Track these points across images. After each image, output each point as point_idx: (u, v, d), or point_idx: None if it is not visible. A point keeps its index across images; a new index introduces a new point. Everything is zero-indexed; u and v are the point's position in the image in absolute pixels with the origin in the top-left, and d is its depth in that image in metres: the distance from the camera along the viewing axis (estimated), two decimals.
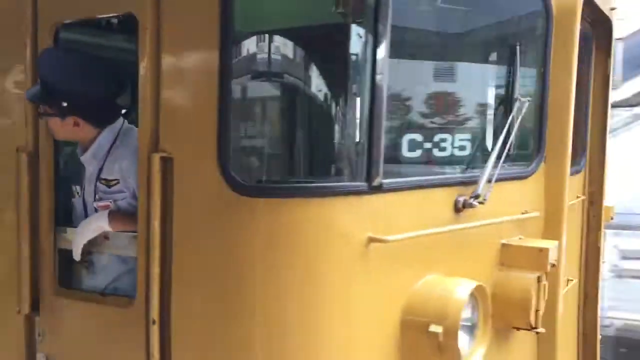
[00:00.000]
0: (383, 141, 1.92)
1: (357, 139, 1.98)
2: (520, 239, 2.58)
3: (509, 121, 2.40)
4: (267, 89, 2.07)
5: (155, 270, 2.10)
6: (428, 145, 2.27)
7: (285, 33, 2.08)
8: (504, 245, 2.51)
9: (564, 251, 2.73)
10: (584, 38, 3.23)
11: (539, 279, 2.47)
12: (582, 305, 3.73)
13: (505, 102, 2.46)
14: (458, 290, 2.11)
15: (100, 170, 2.38)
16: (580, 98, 3.37)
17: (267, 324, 1.98)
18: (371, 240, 1.97)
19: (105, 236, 2.38)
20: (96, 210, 2.39)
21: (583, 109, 3.49)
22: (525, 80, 2.62)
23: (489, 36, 2.62)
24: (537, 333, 2.55)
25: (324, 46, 2.10)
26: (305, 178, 2.08)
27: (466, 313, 2.17)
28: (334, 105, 2.08)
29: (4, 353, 2.68)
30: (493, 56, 2.67)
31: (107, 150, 2.37)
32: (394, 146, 2.16)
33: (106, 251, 2.42)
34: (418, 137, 2.28)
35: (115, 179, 2.34)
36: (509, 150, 2.42)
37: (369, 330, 2.08)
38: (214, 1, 1.86)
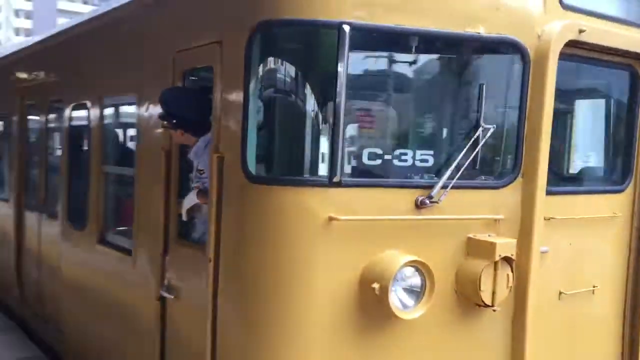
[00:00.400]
0: (341, 152, 2.90)
1: (324, 151, 2.99)
2: (489, 235, 3.22)
3: (471, 142, 3.14)
4: (268, 116, 3.18)
5: (212, 228, 3.34)
6: (388, 156, 3.16)
7: (281, 73, 3.16)
8: (469, 238, 3.21)
9: (535, 252, 3.31)
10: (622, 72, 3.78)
11: (495, 267, 3.09)
12: (630, 316, 3.99)
13: (473, 129, 3.19)
14: (396, 259, 2.95)
15: (198, 164, 3.71)
16: (629, 124, 3.81)
17: (265, 263, 3.11)
18: (330, 218, 2.96)
19: (198, 207, 3.70)
20: (192, 190, 3.74)
21: (630, 134, 3.85)
22: (505, 112, 3.31)
23: (462, 78, 3.38)
24: (495, 311, 3.20)
25: (303, 94, 3.16)
26: (290, 174, 3.12)
27: (409, 280, 3.00)
28: (311, 127, 3.11)
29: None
30: (465, 92, 3.38)
31: (201, 151, 3.68)
32: (359, 156, 3.11)
33: (198, 216, 3.76)
34: (379, 150, 3.17)
35: (203, 170, 3.64)
36: (474, 165, 3.16)
37: (329, 284, 3.01)
38: (241, 70, 3.03)
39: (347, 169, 3.04)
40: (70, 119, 5.32)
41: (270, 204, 3.02)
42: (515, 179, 3.29)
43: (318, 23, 2.86)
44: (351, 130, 3.15)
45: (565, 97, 3.93)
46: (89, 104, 4.89)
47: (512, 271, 3.18)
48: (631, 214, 3.87)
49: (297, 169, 3.10)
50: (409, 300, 3.00)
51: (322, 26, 2.86)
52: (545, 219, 3.37)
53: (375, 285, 2.91)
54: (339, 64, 2.77)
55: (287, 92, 3.16)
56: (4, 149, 7.03)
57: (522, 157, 3.28)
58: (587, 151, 4.26)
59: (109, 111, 4.74)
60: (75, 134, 5.28)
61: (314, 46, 3.09)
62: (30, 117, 6.17)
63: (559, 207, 3.49)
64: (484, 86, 3.15)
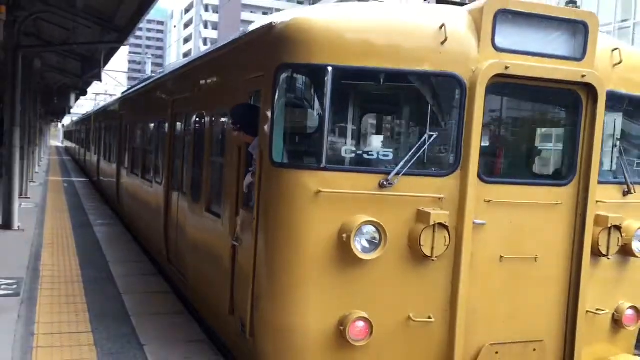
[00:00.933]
0: (325, 149, 4.37)
1: (315, 148, 4.53)
2: (433, 209, 4.38)
3: (419, 144, 4.45)
4: (285, 124, 4.72)
5: (256, 197, 5.00)
6: (359, 152, 4.64)
7: (292, 96, 4.63)
8: (417, 210, 4.44)
9: (467, 222, 4.45)
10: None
11: (433, 230, 4.30)
12: (575, 280, 4.88)
13: (421, 135, 4.50)
14: (359, 219, 4.26)
15: (253, 155, 5.42)
16: (572, 135, 4.86)
17: (277, 222, 4.58)
18: (318, 191, 4.42)
19: (252, 184, 5.40)
20: (249, 172, 5.47)
21: (573, 142, 4.85)
22: (449, 124, 4.62)
23: (416, 100, 4.79)
24: (434, 261, 4.40)
25: (304, 110, 4.73)
26: (295, 162, 4.54)
27: (369, 235, 4.27)
28: (308, 132, 4.68)
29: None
30: (417, 109, 4.82)
31: (255, 147, 5.37)
32: (338, 151, 4.62)
33: (252, 189, 5.45)
34: (353, 148, 4.68)
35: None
36: (423, 160, 4.46)
37: (318, 233, 4.33)
38: (270, 93, 4.61)
39: (330, 159, 4.37)
40: (193, 125, 7.25)
41: (284, 181, 4.49)
42: (455, 170, 4.51)
43: (313, 65, 4.34)
44: (333, 133, 4.66)
45: (528, 116, 5.16)
46: (203, 114, 6.89)
47: (448, 234, 4.37)
48: (576, 203, 4.86)
49: (300, 159, 4.62)
50: (368, 247, 4.31)
51: (316, 67, 4.31)
52: (485, 200, 4.53)
53: (344, 235, 4.27)
54: (326, 91, 4.21)
55: (295, 108, 4.68)
56: (159, 146, 9.40)
57: (461, 156, 4.49)
58: (543, 155, 5.37)
59: (212, 119, 6.55)
60: (197, 135, 7.24)
61: (312, 79, 4.58)
62: (176, 124, 8.38)
63: (499, 193, 4.61)
64: (430, 106, 4.55)
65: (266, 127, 4.60)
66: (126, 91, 16.57)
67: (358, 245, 4.28)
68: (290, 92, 4.63)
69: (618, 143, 5.20)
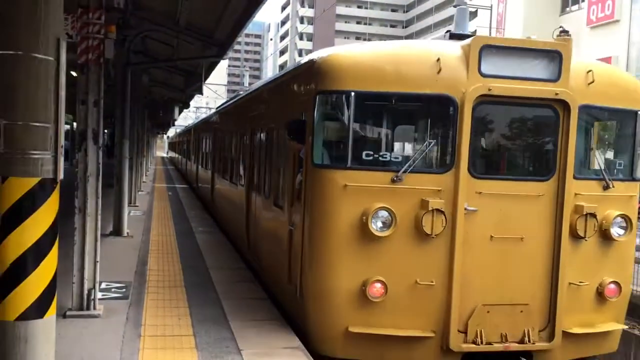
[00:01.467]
0: (350, 153, 5.60)
1: (343, 153, 5.69)
2: (432, 199, 5.54)
3: (421, 148, 5.79)
4: (322, 135, 5.98)
5: (303, 191, 6.06)
6: (377, 156, 5.80)
7: (325, 113, 5.97)
8: (421, 199, 5.60)
9: (460, 208, 5.60)
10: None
11: (432, 214, 5.47)
12: (556, 257, 5.86)
13: (422, 142, 5.96)
14: (375, 205, 5.52)
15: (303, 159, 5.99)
16: (553, 140, 5.94)
17: (312, 214, 5.89)
18: (345, 185, 5.59)
19: (301, 181, 6.18)
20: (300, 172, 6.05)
21: (554, 145, 5.93)
22: (446, 134, 5.80)
23: (419, 116, 6.38)
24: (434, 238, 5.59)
25: (334, 124, 6.04)
26: (329, 163, 5.88)
27: (382, 217, 5.48)
28: (337, 140, 5.98)
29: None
30: (421, 124, 6.44)
31: (303, 152, 5.98)
32: (360, 155, 5.72)
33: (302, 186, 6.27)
34: (371, 152, 5.84)
35: None
36: (425, 161, 5.77)
37: (345, 216, 5.60)
38: (312, 111, 5.90)
39: (354, 161, 5.65)
40: (264, 136, 8.55)
41: (320, 178, 5.81)
42: (450, 169, 5.69)
43: (341, 91, 5.66)
44: (356, 142, 5.77)
45: (517, 126, 6.31)
46: (271, 128, 8.05)
47: (445, 217, 5.53)
48: (556, 195, 5.85)
49: (332, 161, 5.92)
50: (382, 226, 5.56)
51: (342, 92, 5.65)
52: (476, 192, 5.67)
53: (364, 218, 5.55)
54: (350, 110, 5.60)
55: (329, 122, 6.02)
56: (241, 155, 10.70)
57: (456, 156, 5.65)
58: (529, 158, 6.52)
59: (276, 132, 7.67)
60: (267, 145, 8.35)
61: (340, 102, 5.75)
62: (253, 136, 9.54)
63: (492, 186, 5.75)
64: (429, 120, 6.20)
65: (310, 138, 5.90)
66: (218, 107, 18.45)
67: (374, 225, 5.54)
68: (325, 111, 5.96)
69: (598, 146, 6.52)
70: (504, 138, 6.37)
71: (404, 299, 5.64)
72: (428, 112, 6.16)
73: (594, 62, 6.60)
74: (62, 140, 3.70)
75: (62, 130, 3.70)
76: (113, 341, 5.60)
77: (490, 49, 5.66)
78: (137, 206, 16.10)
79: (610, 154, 6.65)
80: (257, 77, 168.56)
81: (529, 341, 5.74)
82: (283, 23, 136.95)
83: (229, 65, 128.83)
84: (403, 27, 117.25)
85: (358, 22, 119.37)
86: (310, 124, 5.89)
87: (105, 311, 6.42)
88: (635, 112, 6.15)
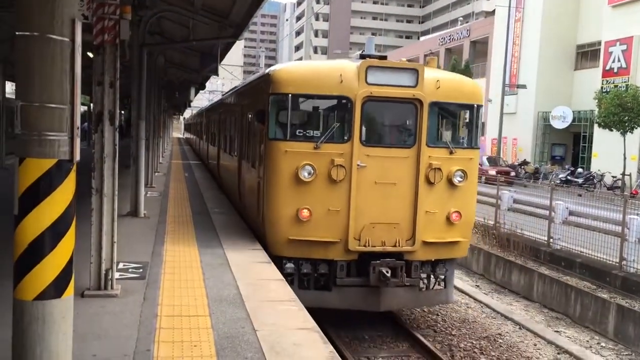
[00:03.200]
0: (289, 131, 8.88)
1: (286, 130, 9.02)
2: (337, 158, 8.66)
3: (330, 129, 8.93)
4: (273, 121, 9.05)
5: (262, 156, 9.37)
6: (305, 132, 9.05)
7: (274, 109, 9.06)
8: (331, 159, 8.71)
9: (354, 164, 8.71)
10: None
11: (337, 168, 8.55)
12: (415, 196, 8.99)
13: (332, 124, 9.12)
14: (303, 162, 8.61)
15: None
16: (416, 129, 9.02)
17: (267, 169, 9.06)
18: (286, 151, 8.75)
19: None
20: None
21: (420, 132, 8.99)
22: (343, 122, 8.90)
23: (333, 111, 9.27)
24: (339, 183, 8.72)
25: (281, 116, 9.06)
26: (276, 137, 8.97)
27: (308, 170, 8.60)
28: (282, 123, 9.02)
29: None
30: (330, 117, 9.40)
31: None
32: (295, 132, 9.01)
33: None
34: (301, 130, 9.15)
35: None
36: (333, 136, 8.80)
37: (286, 170, 8.71)
38: (267, 105, 9.19)
39: (291, 136, 8.77)
40: (247, 119, 11.67)
41: (272, 146, 8.87)
42: (349, 140, 8.70)
43: (283, 93, 8.74)
44: (294, 124, 8.88)
45: (395, 114, 9.36)
46: (248, 114, 11.34)
47: (345, 169, 8.56)
48: (417, 156, 8.90)
49: (279, 135, 8.87)
50: (307, 175, 8.57)
51: (284, 94, 8.73)
52: (365, 155, 8.71)
53: (297, 170, 8.57)
54: (288, 105, 8.77)
55: (278, 112, 8.93)
56: (235, 134, 13.80)
57: (352, 133, 8.69)
58: (399, 133, 9.58)
59: (251, 117, 10.71)
60: (248, 125, 11.59)
61: (282, 99, 8.78)
62: (242, 119, 12.57)
63: (375, 151, 8.81)
64: (336, 111, 9.08)
65: (267, 121, 9.04)
66: (224, 94, 22.15)
67: (303, 174, 8.60)
68: (275, 106, 8.97)
69: (445, 127, 9.66)
70: (383, 121, 9.43)
71: (322, 219, 8.66)
72: (335, 106, 9.04)
73: (442, 74, 9.82)
74: (78, 122, 3.70)
75: (78, 111, 3.70)
76: (130, 320, 5.67)
77: (372, 67, 8.70)
78: (153, 187, 16.22)
79: (460, 131, 9.72)
80: (273, 58, 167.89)
81: (399, 246, 8.80)
82: (299, 3, 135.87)
83: (244, 46, 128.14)
84: (420, 23, 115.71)
85: (374, 18, 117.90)
86: (267, 113, 8.97)
87: (122, 291, 6.50)
88: (472, 105, 9.35)
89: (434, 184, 8.85)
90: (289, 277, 8.50)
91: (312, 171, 8.52)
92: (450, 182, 8.97)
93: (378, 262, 8.65)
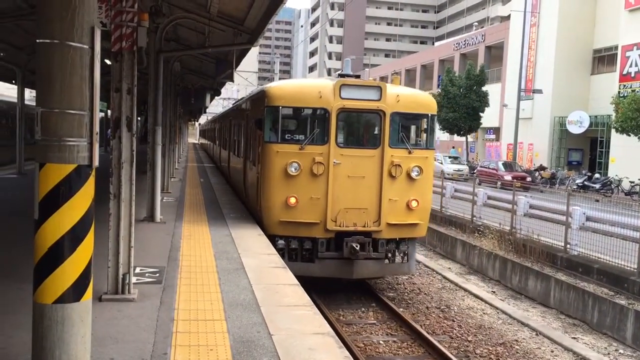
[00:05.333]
0: (279, 136, 11.03)
1: (277, 135, 11.16)
2: (318, 157, 10.79)
3: (312, 134, 11.04)
4: (267, 128, 11.22)
5: (258, 155, 11.56)
6: (292, 136, 11.12)
7: (269, 118, 11.19)
8: (313, 157, 10.78)
9: (331, 162, 10.83)
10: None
11: (318, 164, 10.64)
12: (380, 187, 11.05)
13: (314, 130, 11.22)
14: (291, 160, 10.75)
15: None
16: (380, 133, 11.23)
17: (263, 166, 11.18)
18: (277, 151, 10.84)
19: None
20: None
21: (383, 137, 11.20)
22: (323, 130, 11.11)
23: (314, 120, 11.34)
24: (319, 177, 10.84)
25: (275, 123, 11.16)
26: (271, 141, 11.05)
27: (294, 166, 10.69)
28: (275, 129, 11.14)
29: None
30: (311, 126, 11.46)
31: None
32: (285, 136, 11.13)
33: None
34: (290, 135, 11.24)
35: None
36: (314, 139, 10.89)
37: (278, 166, 10.80)
38: (264, 114, 11.29)
39: (282, 139, 10.84)
40: (250, 126, 13.39)
41: (267, 148, 10.96)
42: (327, 143, 10.79)
43: (275, 106, 10.88)
44: (284, 130, 10.98)
45: (362, 121, 11.53)
46: (250, 121, 13.18)
47: (324, 166, 10.73)
48: (381, 156, 10.94)
49: (272, 139, 10.93)
50: (294, 170, 10.67)
51: (276, 106, 10.87)
52: (340, 154, 10.80)
53: (286, 166, 10.68)
54: (279, 115, 10.89)
55: (272, 121, 10.99)
56: (241, 138, 15.82)
57: (329, 137, 10.76)
58: (367, 137, 11.63)
59: (253, 124, 12.35)
60: (250, 131, 13.38)
61: (275, 111, 10.88)
62: (247, 126, 14.52)
63: (348, 151, 10.88)
64: (316, 120, 11.04)
65: (263, 128, 11.03)
66: (235, 102, 24.25)
67: (291, 170, 10.65)
68: (270, 115, 10.98)
69: (404, 132, 11.31)
70: (354, 128, 11.57)
71: (306, 205, 10.73)
72: (315, 116, 11.01)
73: (402, 89, 11.94)
74: (97, 127, 3.76)
75: (97, 117, 3.76)
76: (147, 324, 5.71)
77: (345, 85, 10.82)
78: (169, 193, 16.34)
79: (417, 135, 11.74)
80: (288, 64, 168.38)
81: (368, 226, 10.89)
82: (314, 9, 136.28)
83: (259, 52, 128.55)
84: (434, 28, 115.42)
85: (388, 24, 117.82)
86: (264, 121, 10.99)
87: (139, 295, 6.55)
88: (427, 114, 11.40)
89: (396, 177, 10.91)
90: (280, 251, 10.22)
91: (298, 167, 10.59)
92: (409, 176, 11.00)
93: (350, 238, 10.70)
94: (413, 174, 10.98)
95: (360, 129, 11.59)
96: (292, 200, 10.63)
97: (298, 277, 7.90)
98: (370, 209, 10.86)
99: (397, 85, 12.32)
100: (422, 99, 11.72)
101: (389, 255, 11.48)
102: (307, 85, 11.75)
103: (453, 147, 52.07)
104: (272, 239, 10.61)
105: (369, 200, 10.84)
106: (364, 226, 10.83)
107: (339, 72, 12.33)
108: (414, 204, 11.05)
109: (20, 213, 11.83)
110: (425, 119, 11.43)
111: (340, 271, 10.97)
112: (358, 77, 11.91)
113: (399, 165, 10.84)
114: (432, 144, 11.63)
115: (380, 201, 10.84)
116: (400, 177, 10.90)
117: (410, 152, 11.02)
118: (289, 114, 11.06)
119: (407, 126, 11.52)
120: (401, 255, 11.66)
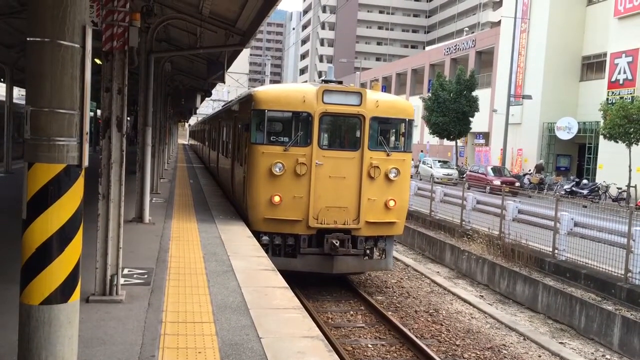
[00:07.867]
0: (265, 138, 11.64)
1: (262, 137, 11.81)
2: (302, 158, 11.41)
3: (295, 136, 11.69)
4: (253, 130, 11.80)
5: (245, 155, 12.25)
6: (277, 138, 11.79)
7: (255, 121, 11.74)
8: (296, 158, 11.37)
9: (313, 163, 11.38)
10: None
11: (301, 165, 11.36)
12: (359, 185, 11.64)
13: (298, 133, 11.86)
14: (275, 161, 11.35)
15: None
16: (360, 137, 11.78)
17: (249, 166, 11.78)
18: (263, 152, 11.43)
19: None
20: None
21: (362, 139, 11.75)
22: (306, 132, 11.73)
23: (298, 122, 11.77)
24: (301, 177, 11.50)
25: (260, 126, 11.78)
26: (257, 142, 11.63)
27: (279, 166, 11.29)
28: (260, 131, 11.72)
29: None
30: (295, 128, 11.90)
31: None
32: (270, 137, 11.80)
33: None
34: (275, 137, 11.92)
35: None
36: (298, 141, 11.52)
37: (263, 166, 11.40)
38: (250, 118, 11.96)
39: (268, 140, 11.48)
40: (238, 128, 13.99)
41: (253, 149, 11.52)
42: (309, 145, 11.44)
43: (261, 109, 11.53)
44: (269, 132, 11.64)
45: (343, 125, 12.13)
46: (238, 124, 13.86)
47: (307, 166, 11.35)
48: (361, 157, 11.54)
49: (258, 140, 11.50)
50: (278, 170, 11.25)
51: (262, 110, 11.51)
52: (322, 155, 11.42)
53: (271, 166, 11.28)
54: (265, 118, 11.53)
55: (257, 123, 11.59)
56: (229, 139, 16.34)
57: (312, 139, 11.40)
58: (347, 140, 12.21)
59: (241, 127, 13.17)
60: (238, 133, 13.93)
61: (261, 114, 11.53)
62: (234, 128, 15.11)
63: (329, 153, 11.50)
64: (300, 123, 11.60)
65: (250, 130, 11.60)
66: (224, 105, 24.61)
67: (275, 170, 11.22)
68: (256, 118, 11.56)
69: (383, 135, 11.99)
70: (335, 131, 12.14)
71: (289, 203, 11.28)
72: (299, 119, 11.50)
73: (382, 95, 12.63)
74: (87, 127, 3.72)
75: (87, 117, 3.72)
76: (135, 326, 5.67)
77: (327, 91, 11.43)
78: (159, 193, 16.25)
79: (395, 139, 12.40)
80: (279, 66, 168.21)
81: (347, 224, 11.47)
82: (305, 12, 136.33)
83: (250, 54, 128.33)
84: (425, 32, 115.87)
85: (380, 28, 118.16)
86: (250, 124, 11.61)
87: (127, 297, 6.50)
88: (404, 119, 12.07)
89: (374, 178, 11.53)
90: (264, 247, 10.77)
91: (282, 167, 11.17)
92: (387, 177, 11.63)
93: (330, 235, 11.30)
94: (391, 175, 11.60)
95: (341, 132, 12.22)
96: (277, 198, 11.20)
97: (281, 272, 8.31)
98: (350, 208, 11.46)
99: (377, 91, 13.44)
100: (400, 105, 12.39)
101: (368, 251, 12.07)
102: (291, 90, 12.35)
103: (422, 151, 52.14)
104: (257, 234, 11.14)
105: (349, 199, 11.44)
106: (344, 224, 11.44)
107: (322, 78, 13.52)
108: (391, 203, 11.65)
109: (8, 212, 11.72)
110: (402, 124, 12.11)
111: (321, 266, 11.50)
112: (340, 83, 12.53)
113: (378, 167, 11.46)
114: (409, 147, 12.41)
115: (359, 200, 11.44)
116: (378, 178, 11.52)
117: (388, 155, 11.66)
118: (275, 117, 11.64)
119: (385, 130, 12.19)
120: (379, 251, 12.24)
